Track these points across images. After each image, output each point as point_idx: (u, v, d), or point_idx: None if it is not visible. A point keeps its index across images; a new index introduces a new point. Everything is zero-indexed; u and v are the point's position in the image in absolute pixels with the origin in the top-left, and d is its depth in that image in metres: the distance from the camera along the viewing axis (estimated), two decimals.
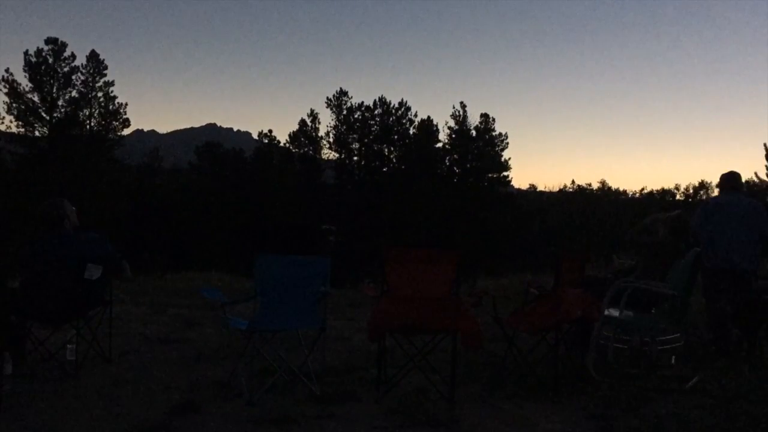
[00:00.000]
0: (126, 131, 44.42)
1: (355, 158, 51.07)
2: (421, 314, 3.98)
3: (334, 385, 4.24)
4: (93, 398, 3.89)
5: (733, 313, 5.40)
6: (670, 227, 5.76)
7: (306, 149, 50.76)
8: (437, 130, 49.31)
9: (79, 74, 40.74)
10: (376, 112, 50.97)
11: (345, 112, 50.44)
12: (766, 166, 37.60)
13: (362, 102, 50.98)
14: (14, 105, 38.88)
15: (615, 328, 5.14)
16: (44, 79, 39.61)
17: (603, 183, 63.48)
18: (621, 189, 65.77)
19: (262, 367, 4.46)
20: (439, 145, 49.37)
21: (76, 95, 40.67)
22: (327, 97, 50.91)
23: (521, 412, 3.85)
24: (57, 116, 39.74)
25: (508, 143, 48.83)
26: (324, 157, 51.20)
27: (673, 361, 5.25)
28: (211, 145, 54.90)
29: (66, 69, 40.30)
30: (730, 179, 5.83)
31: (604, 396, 4.20)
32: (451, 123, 48.73)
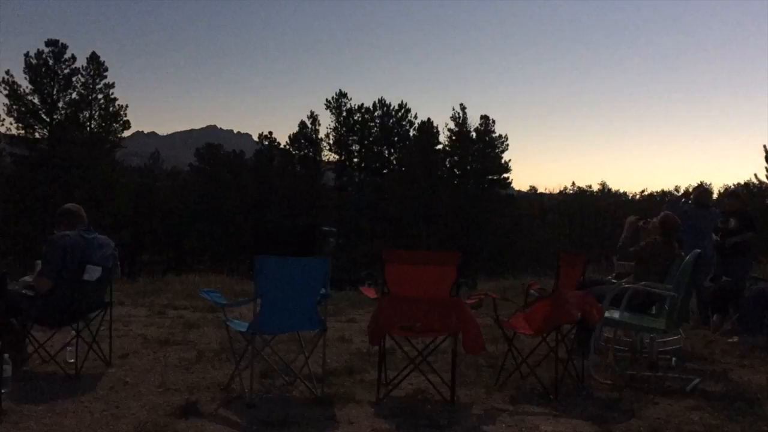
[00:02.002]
0: (126, 133, 44.52)
1: (356, 160, 51.08)
2: (422, 316, 3.98)
3: (334, 387, 4.23)
4: (93, 400, 3.88)
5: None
6: (661, 228, 5.79)
7: (306, 151, 50.77)
8: (437, 132, 49.38)
9: (79, 76, 40.86)
10: (375, 113, 51.00)
11: (345, 114, 50.45)
12: (765, 167, 37.67)
13: (362, 104, 51.05)
14: (14, 107, 38.96)
15: (615, 329, 5.14)
16: (45, 80, 39.68)
17: (603, 185, 63.51)
18: (621, 191, 65.82)
19: (263, 369, 4.46)
20: (440, 146, 49.40)
21: (77, 97, 40.75)
22: (326, 99, 50.92)
23: (521, 414, 3.84)
24: (57, 118, 39.80)
25: (508, 145, 48.93)
26: (324, 158, 51.22)
27: (673, 362, 5.25)
28: (212, 147, 54.98)
29: (66, 71, 40.38)
30: (701, 196, 8.05)
31: (605, 398, 4.20)
32: (452, 125, 48.82)
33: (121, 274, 4.94)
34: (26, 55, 39.50)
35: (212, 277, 14.05)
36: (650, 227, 5.93)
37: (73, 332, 4.48)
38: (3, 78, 38.70)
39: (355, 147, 50.88)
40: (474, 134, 48.51)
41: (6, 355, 3.89)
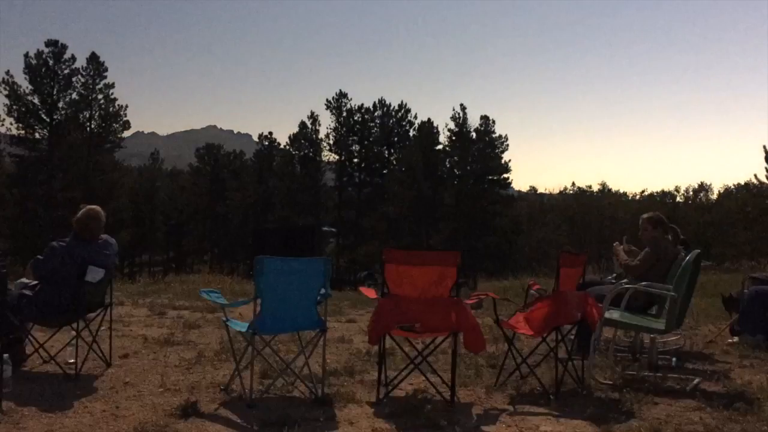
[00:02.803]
0: (126, 133, 44.50)
1: (356, 160, 51.08)
2: (422, 316, 3.98)
3: (334, 387, 4.23)
4: (93, 400, 3.88)
5: None
6: (653, 226, 5.76)
7: (306, 151, 50.76)
8: (437, 132, 49.34)
9: (79, 76, 40.88)
10: (375, 113, 51.00)
11: (345, 114, 50.45)
12: (765, 167, 37.63)
13: (362, 104, 51.04)
14: (14, 107, 38.95)
15: (615, 329, 5.14)
16: (44, 81, 39.69)
17: (603, 185, 63.49)
18: (621, 191, 65.84)
19: (263, 369, 4.46)
20: (440, 146, 49.38)
21: (77, 97, 40.77)
22: (326, 99, 50.92)
23: (521, 414, 3.84)
24: (57, 118, 39.80)
25: (508, 145, 48.88)
26: (324, 158, 51.20)
27: (673, 362, 5.25)
28: (212, 147, 55.00)
29: (66, 71, 40.39)
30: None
31: (605, 398, 4.20)
32: (452, 125, 48.75)
33: (120, 273, 4.96)
34: (26, 55, 39.52)
35: (212, 277, 14.06)
36: (628, 248, 5.89)
37: (73, 332, 4.48)
38: (3, 78, 38.76)
39: (355, 147, 50.87)
40: (474, 134, 48.46)
41: (6, 355, 3.89)
